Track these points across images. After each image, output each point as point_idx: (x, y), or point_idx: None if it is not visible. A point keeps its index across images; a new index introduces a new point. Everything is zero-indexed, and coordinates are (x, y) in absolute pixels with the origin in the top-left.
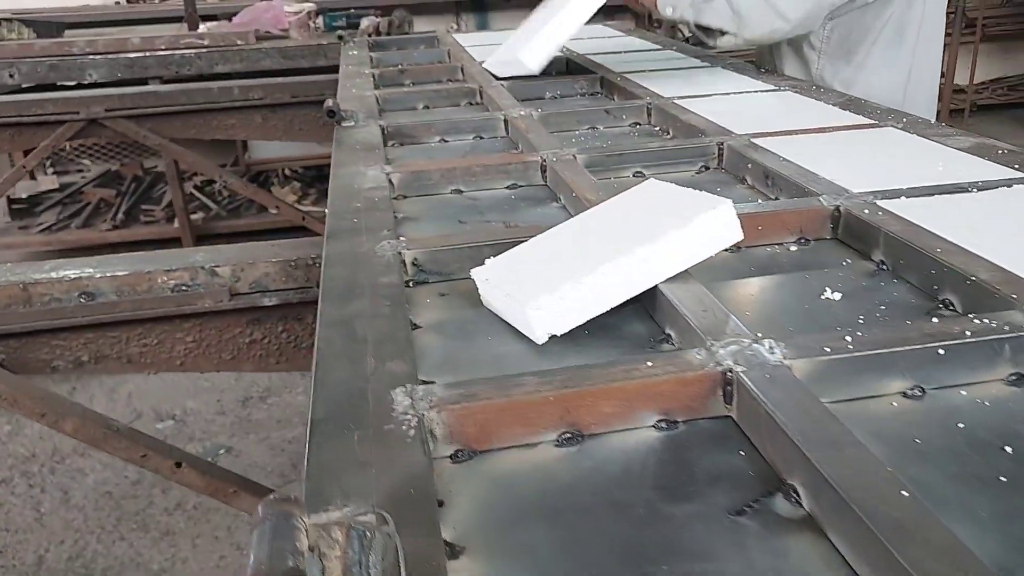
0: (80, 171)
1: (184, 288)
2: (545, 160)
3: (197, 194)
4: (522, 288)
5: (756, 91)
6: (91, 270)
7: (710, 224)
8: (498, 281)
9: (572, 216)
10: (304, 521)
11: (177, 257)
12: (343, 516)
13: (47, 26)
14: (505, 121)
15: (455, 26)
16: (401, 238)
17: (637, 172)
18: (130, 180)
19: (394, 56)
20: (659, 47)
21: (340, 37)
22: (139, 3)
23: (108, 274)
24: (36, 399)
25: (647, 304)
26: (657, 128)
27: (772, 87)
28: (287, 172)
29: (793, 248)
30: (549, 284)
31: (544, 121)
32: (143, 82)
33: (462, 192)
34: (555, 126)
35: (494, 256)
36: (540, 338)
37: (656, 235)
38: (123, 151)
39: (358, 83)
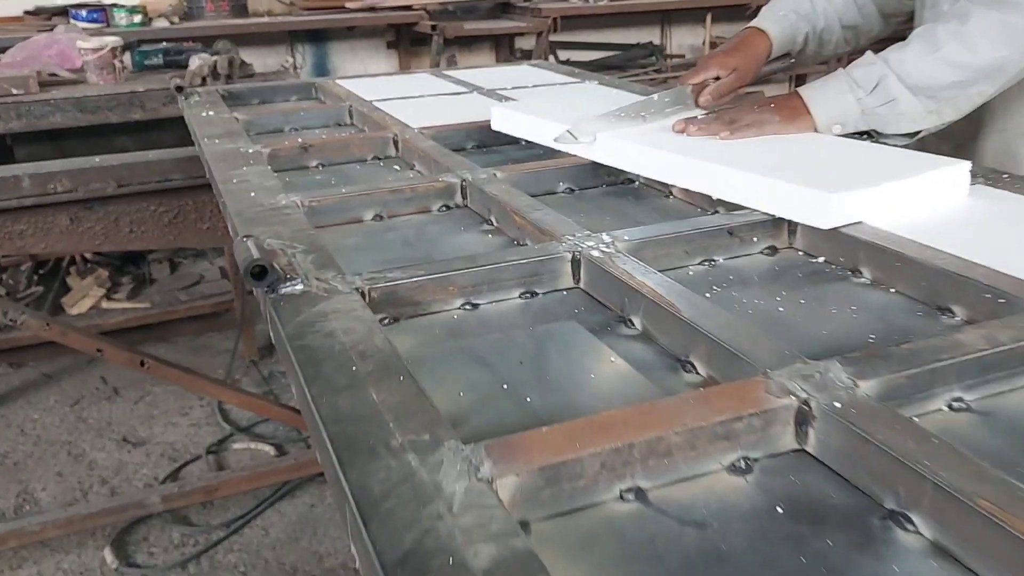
0: None
1: None
2: None
3: None
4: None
5: None
6: None
7: None
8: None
9: None
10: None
11: None
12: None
13: None
14: (575, 259)
15: (290, 59)
16: None
17: None
18: None
19: (269, 117)
20: None
21: (179, 88)
22: None
23: None
24: None
25: None
26: None
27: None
28: (88, 256)
29: None
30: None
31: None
32: None
33: None
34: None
35: None
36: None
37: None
38: None
39: (247, 176)
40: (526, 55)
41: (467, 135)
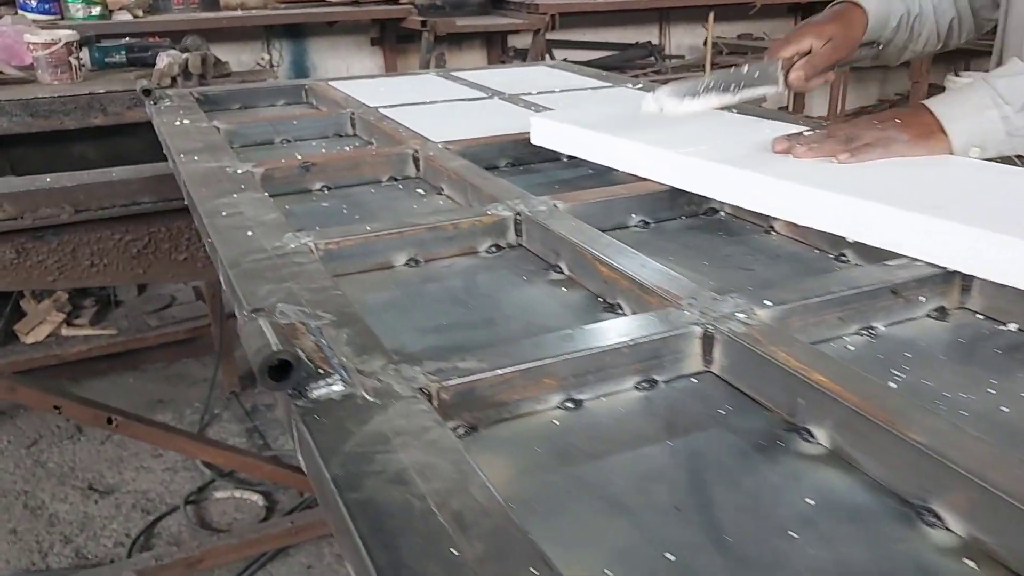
0: None
1: None
2: None
3: None
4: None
5: None
6: None
7: None
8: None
9: None
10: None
11: None
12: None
13: None
14: (707, 335)
15: (266, 56)
16: None
17: None
18: None
19: (255, 126)
20: None
21: (146, 91)
22: None
23: None
24: None
25: None
26: None
27: None
28: None
29: None
30: None
31: None
32: None
33: None
34: None
35: None
36: None
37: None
38: None
39: (239, 206)
40: (520, 54)
41: (500, 151)
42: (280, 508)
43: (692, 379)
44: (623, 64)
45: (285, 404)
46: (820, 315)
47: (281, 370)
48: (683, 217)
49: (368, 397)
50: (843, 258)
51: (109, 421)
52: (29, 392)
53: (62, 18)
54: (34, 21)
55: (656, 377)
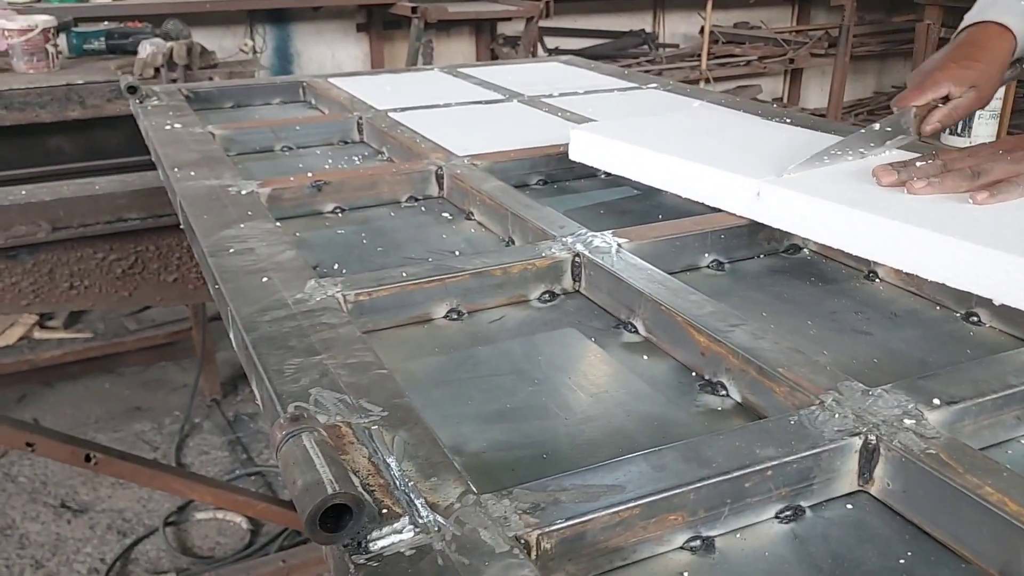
0: None
1: None
2: None
3: None
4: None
5: None
6: None
7: None
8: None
9: None
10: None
11: None
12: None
13: None
14: (867, 448)
15: (249, 42)
16: None
17: None
18: None
19: (254, 132)
20: None
21: (132, 89)
22: None
23: None
24: None
25: None
26: None
27: None
28: None
29: None
30: None
31: None
32: None
33: None
34: None
35: None
36: None
37: None
38: None
39: (247, 239)
40: (510, 42)
41: (531, 166)
42: (265, 531)
43: (846, 504)
44: (616, 53)
45: (337, 559)
46: (996, 415)
47: (335, 515)
48: (761, 256)
49: (450, 554)
50: (974, 319)
51: (88, 459)
52: None
53: (38, 1)
54: (9, 4)
55: (802, 503)
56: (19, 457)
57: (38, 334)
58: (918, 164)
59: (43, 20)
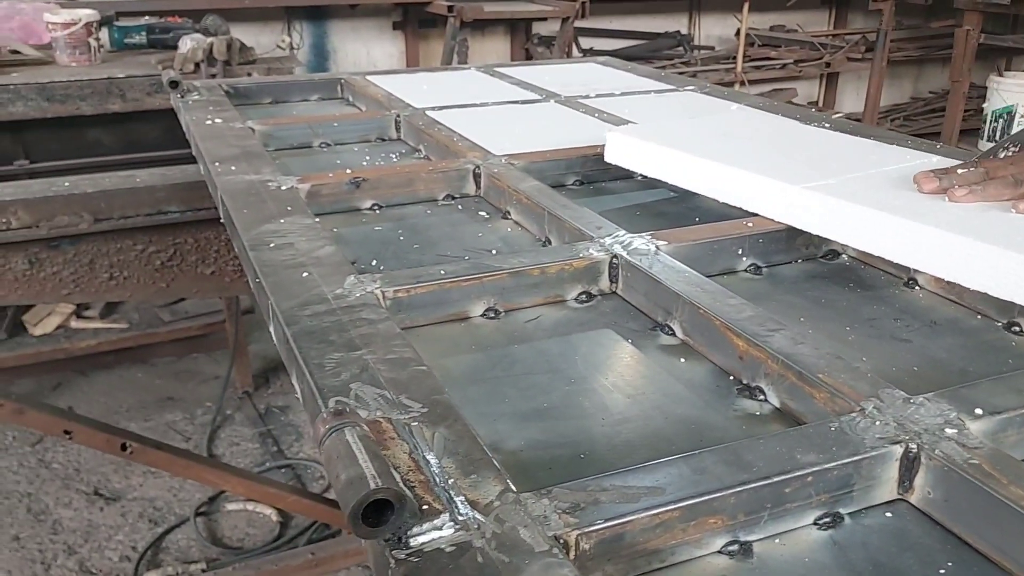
0: None
1: None
2: None
3: None
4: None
5: None
6: None
7: None
8: None
9: None
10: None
11: None
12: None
13: None
14: (908, 456)
15: (287, 39)
16: None
17: None
18: None
19: (292, 128)
20: None
21: (173, 83)
22: None
23: None
24: None
25: None
26: None
27: None
28: None
29: None
30: None
31: None
32: None
33: None
34: None
35: None
36: None
37: None
38: None
39: (287, 234)
40: (544, 41)
41: (568, 167)
42: (295, 524)
43: (885, 512)
44: (651, 55)
45: (377, 553)
46: None
47: (377, 510)
48: (799, 261)
49: (490, 551)
50: (1016, 328)
51: (124, 447)
52: (37, 416)
53: None
54: None
55: (841, 511)
56: (53, 444)
57: (75, 323)
58: (959, 171)
59: (86, 14)
